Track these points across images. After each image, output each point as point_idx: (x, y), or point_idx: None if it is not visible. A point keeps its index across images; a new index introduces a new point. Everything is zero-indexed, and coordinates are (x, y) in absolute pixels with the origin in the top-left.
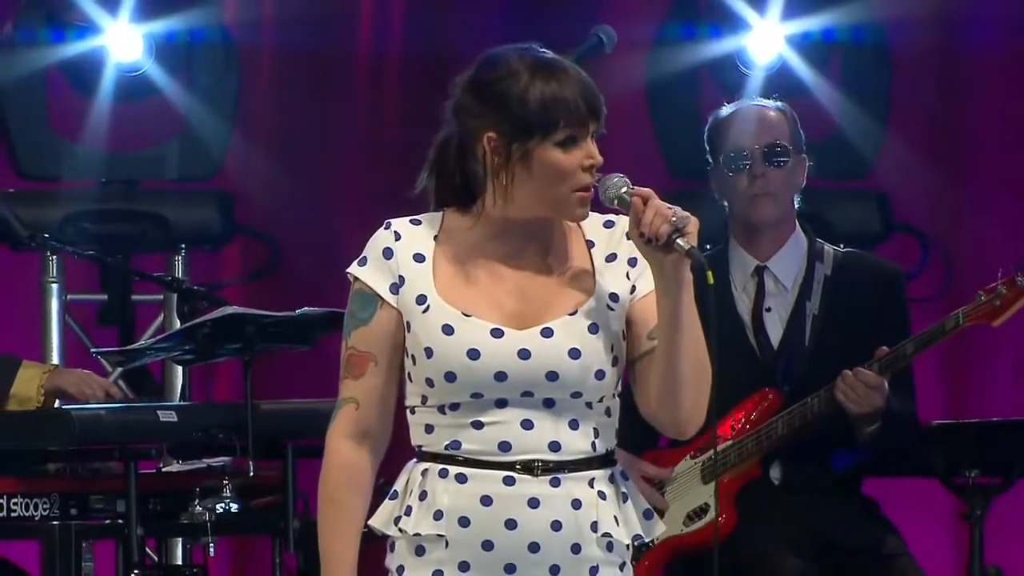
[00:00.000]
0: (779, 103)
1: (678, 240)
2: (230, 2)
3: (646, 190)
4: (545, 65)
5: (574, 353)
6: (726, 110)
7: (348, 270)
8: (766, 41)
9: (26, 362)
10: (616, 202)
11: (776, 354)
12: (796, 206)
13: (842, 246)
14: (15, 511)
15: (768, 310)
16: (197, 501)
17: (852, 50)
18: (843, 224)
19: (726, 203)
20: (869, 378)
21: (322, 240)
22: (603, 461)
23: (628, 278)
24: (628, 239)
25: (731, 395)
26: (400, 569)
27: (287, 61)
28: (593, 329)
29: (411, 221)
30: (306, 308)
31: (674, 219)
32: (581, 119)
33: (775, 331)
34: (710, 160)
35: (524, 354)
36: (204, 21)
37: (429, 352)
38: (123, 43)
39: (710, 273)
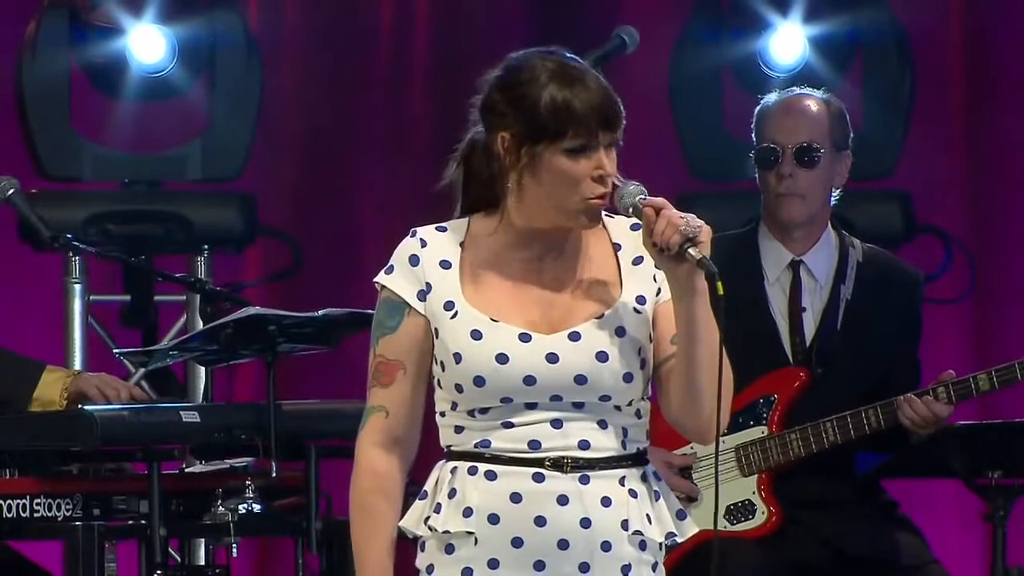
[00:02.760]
0: (827, 96)
1: (689, 250)
2: (253, 4)
3: (659, 200)
4: (565, 72)
5: (602, 356)
6: (773, 98)
7: (375, 279)
8: (789, 42)
9: (49, 367)
10: (631, 210)
11: (808, 351)
12: (832, 202)
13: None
14: (38, 511)
15: (804, 310)
16: (220, 502)
17: (875, 50)
18: (866, 224)
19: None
20: (941, 410)
21: (344, 241)
22: (634, 459)
23: (655, 280)
24: None
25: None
26: (430, 568)
27: (309, 62)
28: (620, 332)
29: (437, 228)
30: (328, 309)
31: (685, 229)
32: (591, 129)
33: (809, 330)
34: (755, 144)
35: (552, 358)
36: (227, 23)
37: (458, 357)
38: (146, 44)
39: (720, 284)
